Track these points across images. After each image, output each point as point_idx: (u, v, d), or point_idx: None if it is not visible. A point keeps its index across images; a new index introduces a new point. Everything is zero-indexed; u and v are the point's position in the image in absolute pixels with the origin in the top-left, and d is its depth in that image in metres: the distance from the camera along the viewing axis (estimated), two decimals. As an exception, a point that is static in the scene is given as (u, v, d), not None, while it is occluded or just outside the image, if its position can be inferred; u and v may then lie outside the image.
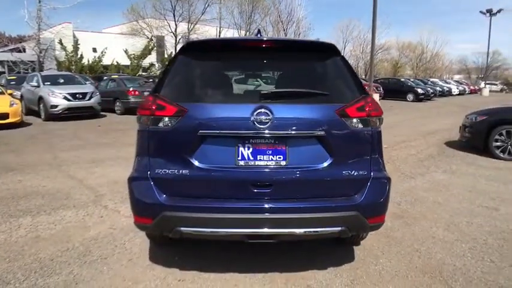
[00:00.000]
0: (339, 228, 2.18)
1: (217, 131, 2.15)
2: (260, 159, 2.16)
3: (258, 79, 2.47)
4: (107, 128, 10.16)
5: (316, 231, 2.18)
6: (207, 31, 33.27)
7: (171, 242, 2.89)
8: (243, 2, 37.57)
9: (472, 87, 38.38)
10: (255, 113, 2.12)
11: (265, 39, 2.39)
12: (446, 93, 29.61)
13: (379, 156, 2.35)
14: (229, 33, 39.87)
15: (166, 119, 2.18)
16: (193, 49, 2.45)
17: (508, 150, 6.30)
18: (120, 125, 10.66)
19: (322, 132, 2.17)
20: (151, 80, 17.76)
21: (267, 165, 2.17)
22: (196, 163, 2.16)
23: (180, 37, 31.08)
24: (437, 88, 27.80)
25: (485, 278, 2.59)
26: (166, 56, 31.20)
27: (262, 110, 2.13)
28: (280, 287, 2.45)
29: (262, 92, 2.19)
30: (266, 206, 2.14)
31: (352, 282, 2.52)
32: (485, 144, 6.54)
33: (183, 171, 2.17)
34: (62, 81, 12.26)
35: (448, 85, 32.91)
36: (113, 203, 4.02)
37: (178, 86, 2.34)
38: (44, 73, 14.02)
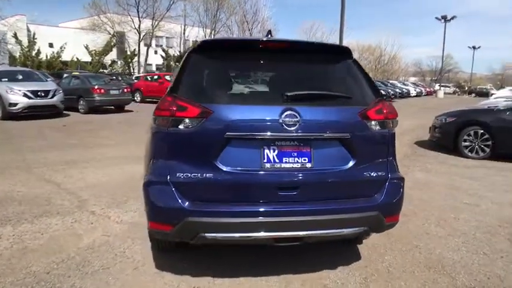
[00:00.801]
0: (362, 229, 2.22)
1: (245, 133, 2.09)
2: (286, 162, 2.13)
3: (276, 80, 2.42)
4: (72, 127, 9.61)
5: (342, 232, 2.19)
6: (172, 28, 32.53)
7: (175, 248, 2.77)
8: (209, 0, 37.15)
9: (428, 89, 40.85)
10: (284, 115, 2.09)
11: (282, 40, 2.36)
12: (405, 95, 31.23)
13: (394, 157, 2.42)
14: (194, 31, 39.30)
15: (188, 120, 2.07)
16: (209, 48, 2.36)
17: (475, 149, 6.75)
18: (86, 125, 10.13)
19: (347, 135, 2.19)
20: (114, 77, 17.04)
21: (293, 167, 2.14)
22: (221, 166, 2.08)
23: (144, 34, 30.12)
24: (397, 90, 29.25)
25: (483, 270, 2.74)
26: (129, 52, 30.09)
27: (291, 112, 2.10)
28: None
29: (288, 93, 2.15)
30: (293, 208, 2.11)
31: (366, 280, 2.56)
32: (455, 144, 6.96)
33: (207, 174, 2.07)
34: (20, 77, 11.41)
35: (406, 87, 34.74)
36: (99, 208, 3.79)
37: (197, 86, 2.25)
38: (0, 68, 12.98)
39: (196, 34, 38.64)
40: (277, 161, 2.12)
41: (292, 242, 2.25)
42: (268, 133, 2.09)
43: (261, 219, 2.07)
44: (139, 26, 30.21)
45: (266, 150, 2.12)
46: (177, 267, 2.62)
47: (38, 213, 3.58)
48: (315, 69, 2.42)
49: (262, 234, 2.10)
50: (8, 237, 3.05)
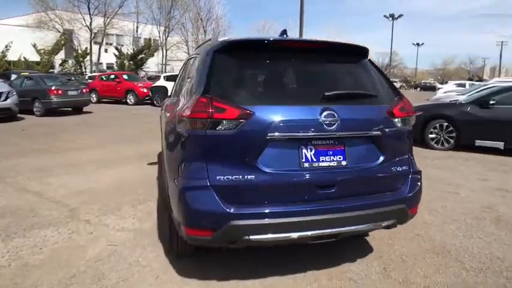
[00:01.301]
0: (392, 221, 2.32)
1: (287, 134, 2.09)
2: (323, 161, 2.16)
3: (307, 80, 2.43)
4: (32, 131, 8.89)
5: (376, 225, 2.27)
6: (125, 25, 31.20)
7: (193, 253, 2.69)
8: (162, -3, 36.24)
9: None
10: (323, 115, 2.12)
11: (310, 40, 2.39)
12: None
13: (412, 151, 2.54)
14: (148, 28, 38.07)
15: (228, 122, 2.02)
16: (236, 48, 2.31)
17: (441, 141, 7.26)
18: (46, 128, 9.42)
19: (378, 132, 2.28)
20: (73, 78, 16.03)
21: (329, 166, 2.18)
22: (262, 167, 2.06)
23: (96, 31, 28.58)
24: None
25: (483, 252, 2.98)
26: (80, 51, 28.38)
27: (330, 112, 2.13)
28: (326, 284, 2.48)
29: (326, 93, 2.18)
30: (332, 206, 2.15)
31: (386, 270, 2.67)
32: (422, 136, 7.44)
33: (249, 176, 2.04)
34: (-34, 79, 10.33)
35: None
36: (93, 216, 3.56)
37: (229, 87, 2.20)
38: None
39: (150, 32, 37.49)
40: (314, 160, 2.15)
41: (330, 239, 2.28)
42: (309, 133, 2.11)
43: (303, 218, 2.08)
44: (90, 23, 28.61)
45: (304, 150, 2.14)
46: (201, 272, 2.55)
47: (27, 226, 3.29)
48: (340, 68, 2.47)
49: (304, 233, 2.12)
50: (3, 254, 2.77)
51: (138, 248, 2.93)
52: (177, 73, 17.44)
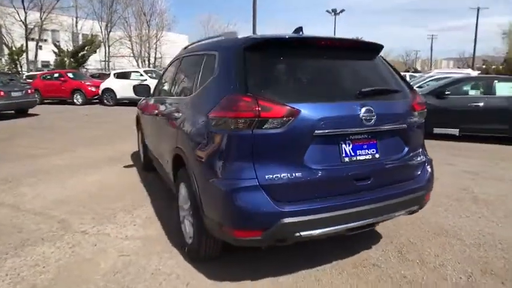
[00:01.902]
0: (416, 207, 2.49)
1: (333, 130, 2.13)
2: (360, 155, 2.24)
3: (339, 77, 2.47)
4: (-25, 139, 7.95)
5: (405, 212, 2.41)
6: (64, 20, 28.91)
7: (217, 255, 2.63)
8: (103, -10, 34.16)
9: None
10: (363, 110, 2.19)
11: (337, 38, 2.44)
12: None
13: (424, 142, 2.73)
14: (88, 24, 35.71)
15: (275, 120, 2.00)
16: (266, 46, 2.28)
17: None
18: (-8, 135, 8.48)
19: (404, 125, 2.42)
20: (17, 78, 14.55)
21: (365, 159, 2.26)
22: (308, 164, 2.08)
23: (32, 27, 26.12)
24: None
25: (475, 229, 3.28)
26: (14, 48, 25.76)
27: (368, 107, 2.21)
28: (354, 271, 2.57)
29: (363, 90, 2.27)
30: (370, 197, 2.24)
31: (401, 253, 2.84)
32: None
33: (297, 174, 2.05)
34: None
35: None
36: (89, 226, 3.31)
37: (268, 85, 2.16)
38: None
39: (91, 27, 35.20)
40: (353, 154, 2.22)
41: (366, 229, 2.37)
42: (350, 128, 2.18)
43: (347, 211, 2.15)
44: (25, 18, 26.03)
45: (343, 145, 2.20)
46: (230, 273, 2.51)
47: (17, 244, 2.96)
48: (364, 64, 2.55)
49: (348, 225, 2.20)
50: (2, 278, 2.47)
51: (153, 255, 2.79)
52: (128, 70, 16.51)
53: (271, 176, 2.02)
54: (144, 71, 16.51)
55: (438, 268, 2.64)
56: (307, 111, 2.06)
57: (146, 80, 15.56)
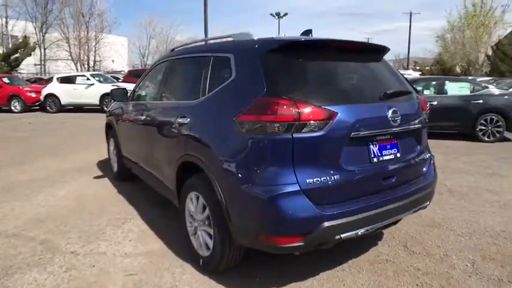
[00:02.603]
0: (427, 203, 2.62)
1: (367, 132, 2.17)
2: (385, 155, 2.30)
3: (360, 79, 2.51)
4: None
5: (420, 207, 2.54)
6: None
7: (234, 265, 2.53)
8: (37, -12, 31.55)
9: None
10: (390, 112, 2.26)
11: (355, 41, 2.48)
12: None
13: None
14: (21, 24, 32.73)
15: (314, 123, 1.98)
16: (290, 49, 2.23)
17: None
18: None
19: (419, 125, 2.53)
20: None
21: (389, 159, 2.33)
22: (344, 166, 2.09)
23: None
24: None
25: (462, 220, 3.54)
26: None
27: (395, 109, 2.28)
28: (371, 268, 2.63)
29: (387, 92, 2.34)
30: (395, 195, 2.30)
31: (406, 246, 2.97)
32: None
33: (334, 176, 2.04)
34: None
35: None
36: (79, 246, 2.99)
37: (300, 87, 2.13)
38: None
39: (24, 28, 32.28)
40: (379, 154, 2.28)
41: (391, 226, 2.44)
42: (381, 130, 2.25)
43: (379, 209, 2.19)
44: None
45: (371, 146, 2.25)
46: (251, 283, 2.43)
47: (1, 272, 2.59)
48: (377, 67, 2.60)
49: (380, 223, 2.24)
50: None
51: (164, 272, 2.61)
52: (73, 74, 15.49)
53: (311, 180, 1.99)
54: (91, 75, 15.50)
55: (444, 258, 2.79)
56: (344, 113, 2.07)
57: (94, 84, 14.65)
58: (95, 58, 38.68)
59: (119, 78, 18.66)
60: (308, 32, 2.71)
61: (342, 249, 2.88)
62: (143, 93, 4.00)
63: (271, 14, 47.58)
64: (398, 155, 2.39)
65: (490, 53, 26.92)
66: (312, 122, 1.98)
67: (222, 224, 2.27)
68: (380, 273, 2.58)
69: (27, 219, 3.58)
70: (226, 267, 2.46)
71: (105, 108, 14.18)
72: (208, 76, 2.62)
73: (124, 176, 4.70)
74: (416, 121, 2.54)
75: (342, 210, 2.05)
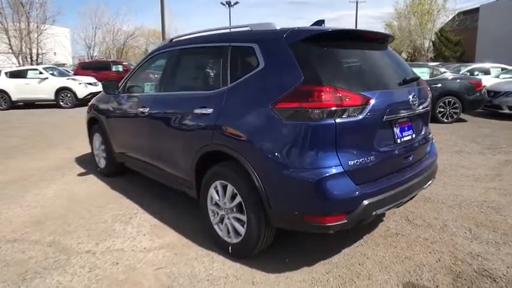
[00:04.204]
0: (433, 179, 2.90)
1: (395, 115, 2.36)
2: (404, 136, 2.50)
3: (382, 66, 2.66)
4: None
5: (429, 184, 2.82)
6: None
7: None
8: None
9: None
10: (411, 96, 2.46)
11: (376, 32, 2.67)
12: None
13: None
14: None
15: (353, 109, 2.12)
16: (318, 39, 2.32)
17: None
18: None
19: (428, 108, 2.76)
20: None
21: (408, 139, 2.54)
22: (376, 148, 2.26)
23: None
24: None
25: (447, 193, 3.90)
26: None
27: (415, 93, 2.49)
28: (385, 242, 2.85)
29: (407, 78, 2.55)
30: (413, 172, 2.53)
31: (409, 220, 3.25)
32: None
33: (370, 157, 2.21)
34: None
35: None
36: (92, 244, 2.90)
37: (335, 75, 2.22)
38: None
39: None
40: (401, 136, 2.48)
41: (408, 201, 2.68)
42: (405, 113, 2.45)
43: (403, 186, 2.40)
44: None
45: (395, 128, 2.44)
46: (283, 263, 2.54)
47: (17, 279, 2.44)
48: (389, 54, 2.77)
49: (404, 199, 2.46)
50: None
51: (193, 262, 2.62)
52: (25, 68, 14.43)
53: (352, 162, 2.14)
54: (44, 68, 14.38)
55: (444, 228, 3.10)
56: (377, 98, 2.23)
57: (48, 78, 13.64)
58: (37, 51, 35.76)
59: (69, 72, 17.52)
60: (320, 22, 2.80)
61: (355, 226, 3.09)
62: (139, 85, 3.86)
63: (221, 3, 47.25)
64: (413, 135, 2.60)
65: (434, 39, 28.95)
66: (352, 107, 2.11)
67: (258, 210, 2.34)
68: (395, 245, 2.81)
69: (23, 222, 3.36)
70: (259, 250, 2.53)
71: (61, 104, 13.34)
72: (228, 66, 2.63)
73: (113, 172, 4.54)
74: (426, 104, 2.76)
75: (377, 188, 2.23)
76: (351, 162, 2.14)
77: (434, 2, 26.65)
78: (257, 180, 2.28)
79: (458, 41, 27.60)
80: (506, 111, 9.22)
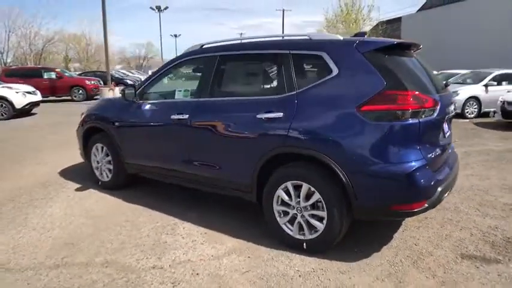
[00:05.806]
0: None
1: (447, 115, 2.85)
2: (446, 132, 2.97)
3: (425, 72, 3.04)
4: None
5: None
6: None
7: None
8: None
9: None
10: (451, 97, 3.01)
11: (415, 42, 3.00)
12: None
13: None
14: None
15: (430, 109, 2.53)
16: (385, 49, 2.66)
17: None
18: None
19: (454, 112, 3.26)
20: None
21: (447, 136, 3.02)
22: (439, 142, 2.75)
23: None
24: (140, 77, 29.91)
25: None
26: None
27: (451, 97, 3.05)
28: (421, 225, 3.28)
29: (445, 82, 3.03)
30: (452, 162, 3.06)
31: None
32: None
33: (438, 150, 2.69)
34: None
35: (140, 76, 35.72)
36: (155, 259, 2.78)
37: (407, 80, 2.53)
38: None
39: None
40: (446, 132, 2.96)
41: None
42: (450, 113, 2.95)
43: (451, 177, 2.87)
44: None
45: (444, 125, 2.91)
46: (356, 252, 2.78)
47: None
48: (419, 61, 3.11)
49: (454, 186, 2.95)
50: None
51: (274, 262, 2.70)
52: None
53: (430, 155, 2.56)
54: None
55: (458, 209, 3.66)
56: (441, 101, 2.67)
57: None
58: None
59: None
60: (363, 34, 3.11)
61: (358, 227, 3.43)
62: (165, 91, 3.73)
63: (151, 8, 45.80)
64: (448, 133, 3.09)
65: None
66: (428, 108, 2.52)
67: (340, 204, 2.57)
68: (431, 227, 3.26)
69: (52, 245, 3.02)
70: (335, 243, 2.74)
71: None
72: (293, 72, 2.78)
73: (121, 184, 4.26)
74: (453, 106, 3.28)
75: (442, 177, 2.67)
76: (429, 155, 2.54)
77: (359, 12, 28.99)
78: (344, 177, 2.49)
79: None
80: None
